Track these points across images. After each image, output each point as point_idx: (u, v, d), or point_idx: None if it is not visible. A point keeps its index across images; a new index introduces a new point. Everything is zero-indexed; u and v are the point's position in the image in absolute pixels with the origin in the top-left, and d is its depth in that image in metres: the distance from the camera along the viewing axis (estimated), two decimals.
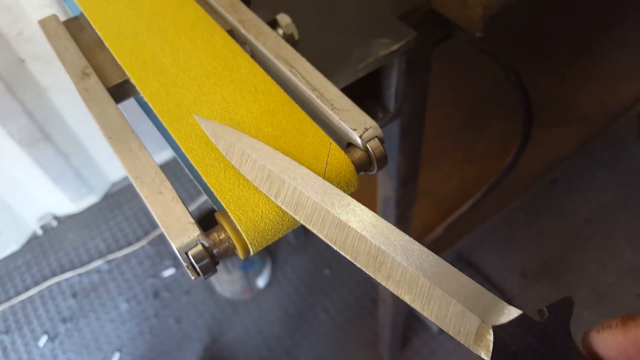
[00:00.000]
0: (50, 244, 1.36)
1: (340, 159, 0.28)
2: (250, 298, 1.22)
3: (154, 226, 1.36)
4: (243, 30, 0.35)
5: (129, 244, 1.34)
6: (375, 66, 0.42)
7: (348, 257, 0.24)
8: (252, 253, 0.27)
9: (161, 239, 1.34)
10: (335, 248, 0.25)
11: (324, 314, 1.18)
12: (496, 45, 0.55)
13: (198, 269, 0.26)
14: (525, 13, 1.10)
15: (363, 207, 0.25)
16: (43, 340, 1.20)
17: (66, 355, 1.17)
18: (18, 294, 1.27)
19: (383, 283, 0.24)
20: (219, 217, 0.27)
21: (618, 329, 0.20)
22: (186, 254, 0.25)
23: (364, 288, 1.21)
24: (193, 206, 1.36)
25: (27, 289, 1.28)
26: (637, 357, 0.19)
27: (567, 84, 1.04)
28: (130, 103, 0.36)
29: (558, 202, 1.28)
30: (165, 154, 1.38)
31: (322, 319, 1.17)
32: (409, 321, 1.13)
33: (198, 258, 0.25)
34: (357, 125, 0.29)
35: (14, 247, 1.35)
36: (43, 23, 0.37)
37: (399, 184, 0.63)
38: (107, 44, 0.35)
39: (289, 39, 0.37)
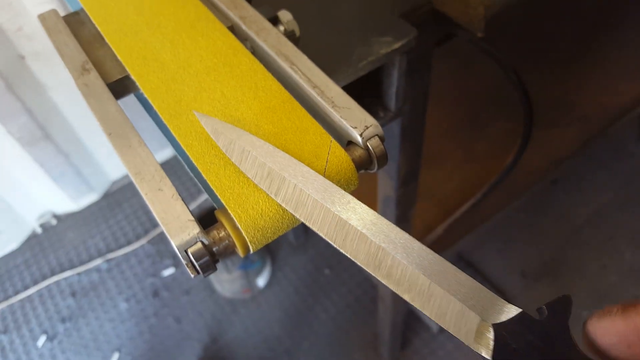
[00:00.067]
0: (50, 243, 1.36)
1: (340, 157, 0.28)
2: (250, 297, 1.22)
3: (154, 225, 1.36)
4: (244, 27, 0.35)
5: (129, 242, 1.33)
6: (376, 65, 0.42)
7: (348, 255, 0.24)
8: (252, 251, 0.27)
9: (161, 237, 1.33)
10: (335, 246, 0.25)
11: (324, 313, 1.18)
12: (497, 45, 0.55)
13: (198, 267, 0.26)
14: (525, 13, 1.10)
15: (363, 205, 0.25)
16: (42, 340, 1.20)
17: (65, 355, 1.17)
18: (17, 293, 1.27)
19: (383, 281, 0.24)
20: (218, 214, 0.27)
21: (618, 316, 0.20)
22: (186, 251, 0.25)
23: (364, 288, 1.20)
24: (193, 205, 1.36)
25: (26, 288, 1.28)
26: (638, 343, 0.19)
27: (567, 84, 1.03)
28: (130, 100, 0.36)
29: (558, 203, 1.28)
30: (165, 152, 1.38)
31: (322, 318, 1.17)
32: (409, 321, 1.13)
33: (198, 256, 0.25)
34: (358, 123, 0.29)
35: (13, 245, 1.35)
36: (43, 18, 0.37)
37: (399, 183, 0.63)
38: (107, 40, 0.35)
39: (290, 35, 0.37)
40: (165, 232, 0.26)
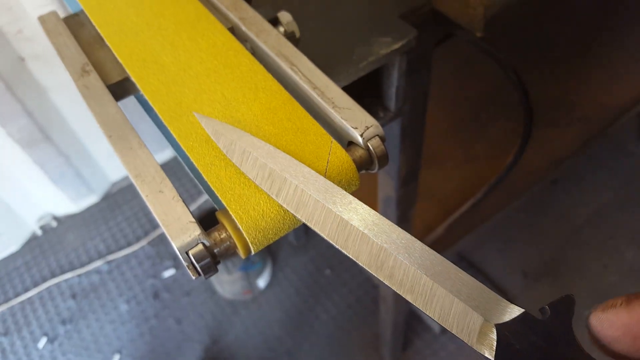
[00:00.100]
0: (50, 245, 1.36)
1: (341, 158, 0.28)
2: (251, 299, 1.22)
3: (154, 226, 1.36)
4: (244, 28, 0.35)
5: (129, 244, 1.33)
6: (376, 65, 0.42)
7: (350, 256, 0.24)
8: (253, 252, 0.27)
9: (161, 239, 1.33)
10: (337, 247, 0.25)
11: (324, 314, 1.18)
12: (497, 45, 0.55)
13: (199, 269, 0.26)
14: (525, 13, 1.10)
15: (365, 205, 0.25)
16: (42, 342, 1.20)
17: (66, 357, 1.17)
18: (17, 295, 1.27)
19: (385, 282, 0.23)
20: (219, 216, 0.27)
21: (623, 308, 0.20)
22: (187, 253, 0.25)
23: (365, 288, 1.20)
24: (193, 206, 1.36)
25: (26, 290, 1.28)
26: None
27: (567, 84, 1.04)
28: (130, 102, 0.36)
29: (558, 203, 1.28)
30: (165, 154, 1.38)
31: (323, 319, 1.17)
32: (411, 321, 1.13)
33: (199, 257, 0.25)
34: (358, 123, 0.29)
35: (13, 247, 1.35)
36: (43, 20, 0.37)
37: (399, 183, 0.63)
38: (107, 41, 0.35)
39: (290, 36, 0.37)
40: (166, 233, 0.26)
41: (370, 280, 1.20)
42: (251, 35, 0.35)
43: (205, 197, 1.36)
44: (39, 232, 1.38)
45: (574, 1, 1.13)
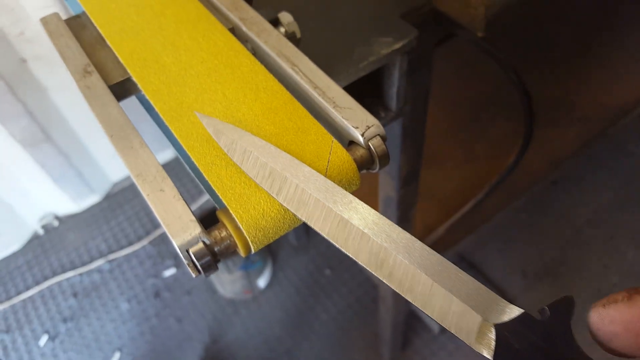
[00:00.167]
0: (52, 244, 1.36)
1: (342, 157, 0.28)
2: (251, 298, 1.22)
3: (155, 226, 1.36)
4: (245, 28, 0.35)
5: (130, 243, 1.34)
6: (377, 65, 0.42)
7: (350, 255, 0.24)
8: (253, 251, 0.27)
9: (162, 238, 1.34)
10: (337, 246, 0.25)
11: (324, 314, 1.18)
12: (497, 45, 0.55)
13: (199, 267, 0.26)
14: (526, 13, 1.10)
15: (365, 205, 0.25)
16: (44, 339, 1.20)
17: (67, 355, 1.17)
18: (19, 293, 1.28)
19: (385, 281, 0.24)
20: (220, 214, 0.27)
21: (624, 303, 0.19)
22: (187, 251, 0.25)
23: (365, 288, 1.20)
24: (195, 206, 1.36)
25: (27, 288, 1.28)
26: None
27: (568, 84, 1.03)
28: (132, 103, 0.36)
29: (559, 203, 1.28)
30: (166, 154, 1.38)
31: (323, 319, 1.17)
32: (410, 321, 1.13)
33: (199, 256, 0.25)
34: (359, 123, 0.29)
35: (15, 246, 1.35)
36: (45, 21, 0.37)
37: (400, 184, 0.63)
38: (108, 42, 0.35)
39: (290, 37, 0.37)
40: (166, 232, 0.26)
41: (370, 280, 1.20)
42: (252, 35, 0.35)
43: (206, 197, 1.37)
44: (41, 232, 1.38)
45: (574, 1, 1.13)
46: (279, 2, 0.45)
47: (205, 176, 0.28)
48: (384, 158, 0.29)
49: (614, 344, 0.20)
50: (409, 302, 0.23)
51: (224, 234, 0.26)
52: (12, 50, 1.02)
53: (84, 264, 1.31)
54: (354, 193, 0.28)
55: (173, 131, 0.30)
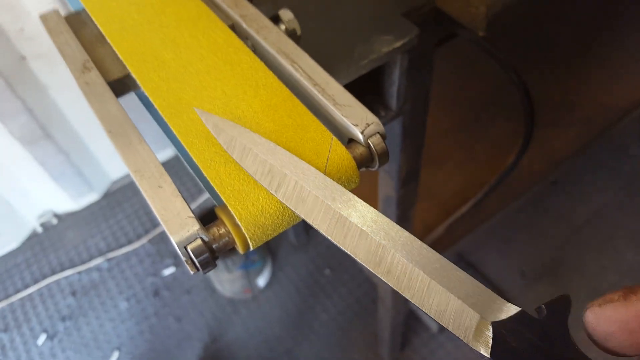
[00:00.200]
0: (50, 242, 1.36)
1: (341, 155, 0.28)
2: (251, 297, 1.22)
3: (155, 224, 1.36)
4: (245, 25, 0.35)
5: (129, 242, 1.34)
6: (378, 63, 0.42)
7: (348, 252, 0.24)
8: (251, 248, 0.27)
9: (162, 237, 1.34)
10: (335, 243, 0.25)
11: (324, 314, 1.18)
12: (497, 45, 0.55)
13: (197, 264, 0.26)
14: (525, 13, 1.10)
15: (364, 202, 0.25)
16: (42, 338, 1.20)
17: (65, 354, 1.17)
18: (17, 291, 1.27)
19: (383, 278, 0.24)
20: (219, 211, 0.27)
21: (620, 302, 0.19)
22: (185, 248, 0.25)
23: (364, 288, 1.20)
24: (194, 205, 1.36)
25: (26, 286, 1.28)
26: (639, 330, 0.19)
27: (568, 84, 1.04)
28: (131, 101, 0.36)
29: (558, 203, 1.28)
30: (165, 153, 1.38)
31: (322, 319, 1.17)
32: (409, 321, 1.13)
33: (197, 252, 0.25)
34: (359, 120, 0.29)
35: (13, 244, 1.35)
36: (44, 18, 0.37)
37: (400, 183, 0.63)
38: (108, 39, 0.35)
39: (290, 34, 0.37)
40: (165, 228, 0.26)
41: (369, 280, 1.20)
42: (252, 32, 0.35)
43: (205, 195, 1.36)
44: (40, 230, 1.38)
45: (574, 1, 1.13)
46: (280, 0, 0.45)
47: (204, 173, 0.28)
48: (384, 156, 0.29)
49: (609, 344, 0.20)
50: (408, 302, 0.23)
51: (222, 230, 0.26)
52: (11, 48, 1.02)
53: (82, 262, 1.31)
54: (353, 191, 0.28)
55: (172, 128, 0.30)
